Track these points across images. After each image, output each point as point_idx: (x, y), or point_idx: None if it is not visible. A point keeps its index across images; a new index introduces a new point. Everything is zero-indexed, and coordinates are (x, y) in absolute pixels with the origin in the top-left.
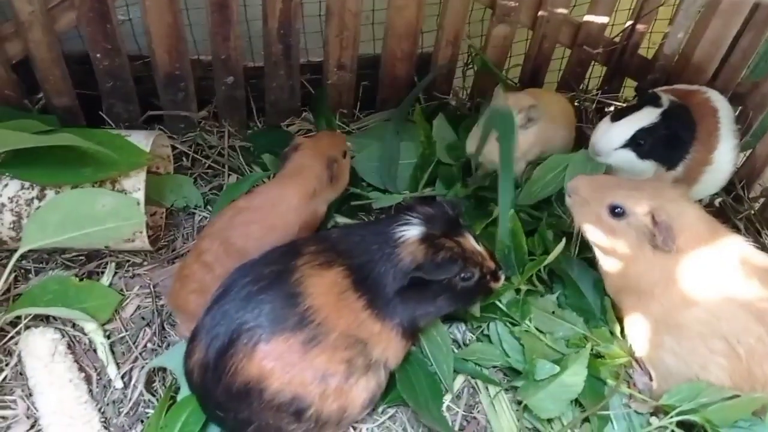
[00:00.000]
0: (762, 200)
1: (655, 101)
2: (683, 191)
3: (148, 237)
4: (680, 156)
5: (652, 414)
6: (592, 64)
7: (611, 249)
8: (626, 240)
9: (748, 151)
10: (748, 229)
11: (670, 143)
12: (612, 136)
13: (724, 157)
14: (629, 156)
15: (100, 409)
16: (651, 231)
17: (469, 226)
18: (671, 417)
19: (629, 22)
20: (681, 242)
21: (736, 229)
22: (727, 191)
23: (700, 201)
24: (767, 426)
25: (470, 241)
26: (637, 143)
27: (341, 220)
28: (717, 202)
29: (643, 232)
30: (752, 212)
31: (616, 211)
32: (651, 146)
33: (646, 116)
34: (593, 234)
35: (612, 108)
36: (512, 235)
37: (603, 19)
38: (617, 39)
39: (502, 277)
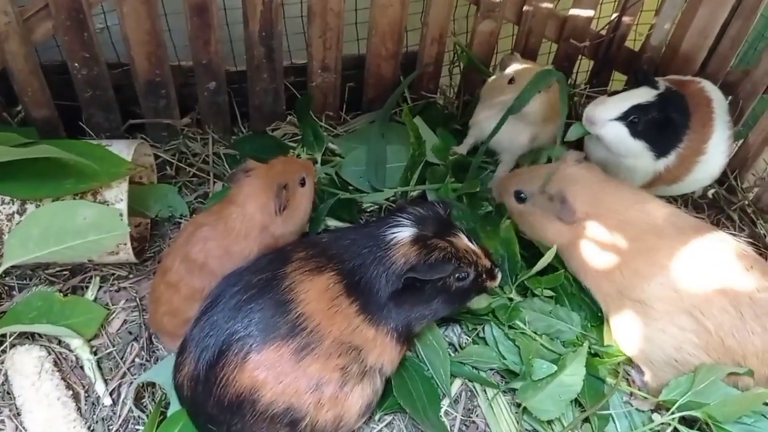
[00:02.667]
0: (755, 190)
1: (652, 83)
2: (580, 165)
3: (133, 249)
4: (673, 143)
5: (653, 411)
6: (580, 58)
7: (532, 229)
8: (537, 218)
9: (740, 141)
10: (743, 219)
11: (663, 127)
12: (607, 107)
13: (717, 148)
14: (622, 131)
15: (89, 427)
16: (551, 206)
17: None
18: (672, 413)
19: (615, 15)
20: (582, 209)
21: (731, 220)
22: (720, 182)
23: (693, 193)
24: None
25: (463, 240)
26: (630, 119)
27: (332, 223)
28: (710, 193)
29: (545, 208)
30: (746, 203)
31: (521, 196)
32: (644, 126)
33: (643, 95)
34: (524, 225)
35: None
36: (506, 243)
37: (588, 12)
38: (603, 32)
39: (499, 275)
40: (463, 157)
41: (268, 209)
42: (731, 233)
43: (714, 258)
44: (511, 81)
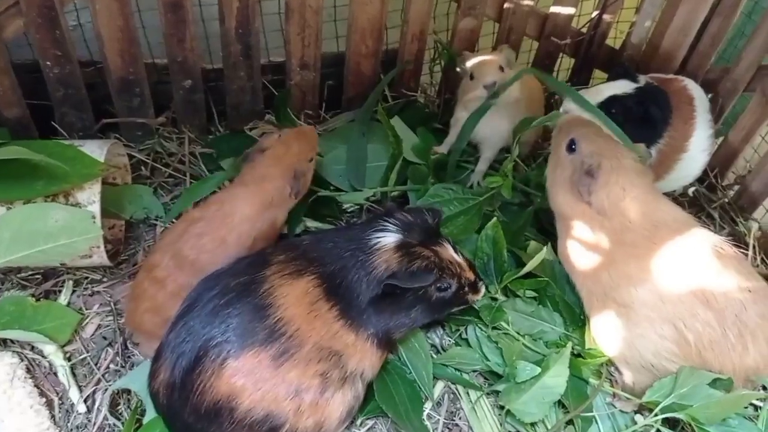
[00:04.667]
0: (736, 188)
1: (632, 76)
2: (641, 164)
3: (107, 251)
4: (652, 138)
5: (636, 412)
6: (561, 55)
7: (552, 178)
8: (563, 174)
9: (720, 139)
10: (723, 218)
11: (642, 121)
12: (585, 96)
13: (699, 146)
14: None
15: None
16: (581, 175)
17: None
18: (656, 415)
19: (595, 12)
20: (601, 199)
21: (711, 219)
22: (701, 180)
23: (673, 191)
24: (755, 425)
25: (449, 251)
26: (608, 111)
27: (312, 224)
28: (690, 191)
29: (576, 173)
30: (726, 201)
31: (572, 146)
32: (621, 117)
33: (621, 87)
34: (550, 166)
35: None
36: (493, 242)
37: (569, 10)
38: (584, 29)
39: (482, 290)
40: (444, 157)
41: (283, 192)
42: (712, 232)
43: (708, 270)
44: (472, 77)
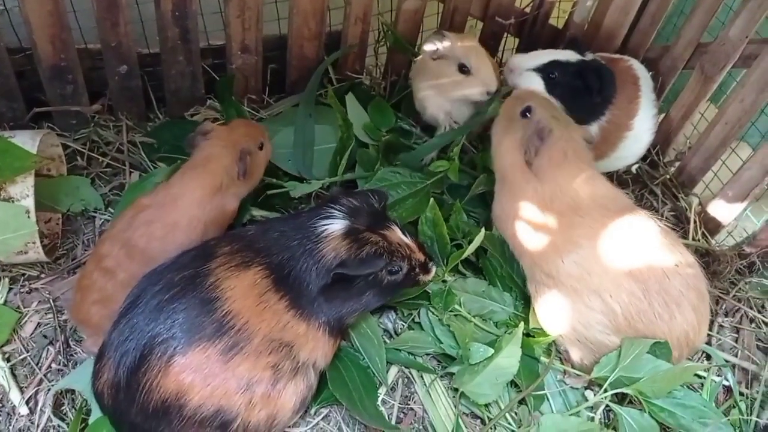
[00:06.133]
0: (677, 164)
1: (579, 49)
2: (585, 142)
3: (44, 246)
4: (594, 113)
5: (587, 388)
6: (505, 36)
7: (500, 138)
8: (514, 135)
9: (661, 116)
10: (665, 194)
11: (582, 92)
12: (527, 57)
13: (643, 125)
14: (537, 83)
15: None
16: (532, 135)
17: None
18: (605, 391)
19: None
20: (543, 164)
21: (654, 195)
22: (643, 157)
23: (617, 171)
24: (700, 396)
25: (397, 233)
26: (548, 74)
27: (258, 213)
28: (634, 168)
29: (527, 139)
30: (668, 177)
31: (527, 113)
32: (560, 84)
33: (566, 55)
34: (498, 127)
35: None
36: (433, 225)
37: None
38: (528, 9)
39: (433, 269)
40: (395, 138)
41: (231, 173)
42: (654, 207)
43: (632, 242)
44: (464, 69)
